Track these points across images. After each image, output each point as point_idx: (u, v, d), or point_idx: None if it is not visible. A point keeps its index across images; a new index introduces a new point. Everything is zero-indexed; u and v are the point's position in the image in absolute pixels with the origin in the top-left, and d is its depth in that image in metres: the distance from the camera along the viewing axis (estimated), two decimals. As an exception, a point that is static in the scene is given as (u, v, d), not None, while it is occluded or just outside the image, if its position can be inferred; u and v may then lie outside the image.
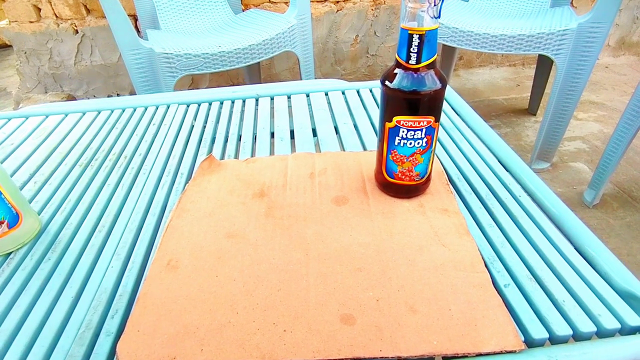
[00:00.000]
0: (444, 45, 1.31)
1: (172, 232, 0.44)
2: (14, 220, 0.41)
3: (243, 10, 1.63)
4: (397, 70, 0.40)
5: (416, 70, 0.39)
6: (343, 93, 0.73)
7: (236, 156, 0.58)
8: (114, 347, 0.33)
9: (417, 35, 0.37)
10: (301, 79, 1.40)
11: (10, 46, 1.78)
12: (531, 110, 1.76)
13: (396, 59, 0.40)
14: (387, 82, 0.41)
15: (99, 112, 0.71)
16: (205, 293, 0.37)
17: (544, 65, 1.60)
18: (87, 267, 0.41)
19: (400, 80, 0.40)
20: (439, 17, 0.37)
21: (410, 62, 0.39)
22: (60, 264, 0.41)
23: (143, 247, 0.43)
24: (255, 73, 1.81)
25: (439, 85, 0.40)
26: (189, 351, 0.32)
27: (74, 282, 0.39)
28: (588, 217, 1.22)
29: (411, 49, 0.38)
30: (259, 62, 1.73)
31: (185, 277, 0.38)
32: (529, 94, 1.77)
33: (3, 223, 0.40)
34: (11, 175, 0.55)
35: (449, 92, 0.70)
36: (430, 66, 0.39)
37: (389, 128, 0.42)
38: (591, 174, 1.34)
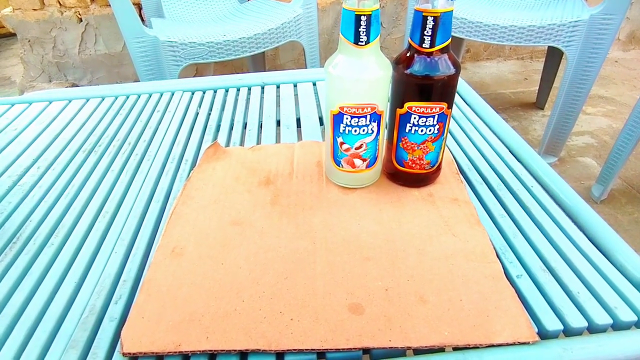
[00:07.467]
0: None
1: (176, 219, 0.43)
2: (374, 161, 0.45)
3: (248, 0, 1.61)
4: (409, 54, 0.39)
5: (430, 54, 0.38)
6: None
7: (241, 144, 0.57)
8: (118, 332, 0.32)
9: (432, 18, 0.36)
10: (307, 70, 1.38)
11: (15, 35, 1.76)
12: (539, 104, 1.73)
13: (409, 43, 0.39)
14: (399, 67, 0.40)
15: (103, 99, 0.70)
16: (211, 280, 0.36)
17: (553, 58, 1.58)
18: (90, 252, 0.40)
19: (413, 64, 0.38)
20: (454, -2, 0.36)
21: (423, 45, 0.37)
22: (64, 249, 0.40)
23: (147, 234, 0.42)
24: (260, 64, 1.80)
25: (452, 70, 0.38)
26: (194, 338, 0.31)
27: (77, 267, 0.38)
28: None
29: (425, 32, 0.37)
30: (263, 53, 1.72)
31: (191, 264, 0.38)
32: (537, 88, 1.75)
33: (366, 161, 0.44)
34: (14, 160, 0.55)
35: (459, 82, 0.68)
36: (444, 50, 0.38)
37: (400, 114, 0.41)
38: (599, 169, 1.33)
